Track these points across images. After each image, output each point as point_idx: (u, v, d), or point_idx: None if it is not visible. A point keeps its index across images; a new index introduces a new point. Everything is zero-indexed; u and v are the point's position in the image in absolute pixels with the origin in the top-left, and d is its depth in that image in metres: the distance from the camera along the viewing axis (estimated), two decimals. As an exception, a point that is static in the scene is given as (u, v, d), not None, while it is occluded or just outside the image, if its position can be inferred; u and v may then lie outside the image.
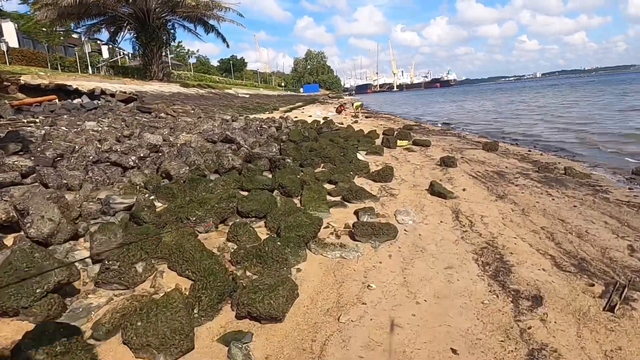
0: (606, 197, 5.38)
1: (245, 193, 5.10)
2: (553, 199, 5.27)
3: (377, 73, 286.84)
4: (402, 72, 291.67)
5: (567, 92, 48.66)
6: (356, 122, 18.19)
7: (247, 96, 33.18)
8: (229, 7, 26.72)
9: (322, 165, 6.84)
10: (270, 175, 5.78)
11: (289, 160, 6.05)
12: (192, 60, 62.01)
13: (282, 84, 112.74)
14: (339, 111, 24.96)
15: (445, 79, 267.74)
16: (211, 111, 17.33)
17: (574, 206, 4.96)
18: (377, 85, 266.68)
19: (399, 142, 10.12)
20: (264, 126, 11.14)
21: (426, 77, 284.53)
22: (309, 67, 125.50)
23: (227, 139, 7.97)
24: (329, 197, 5.02)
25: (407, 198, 5.20)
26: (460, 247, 3.66)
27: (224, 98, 26.99)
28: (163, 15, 26.01)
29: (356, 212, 4.39)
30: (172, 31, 27.64)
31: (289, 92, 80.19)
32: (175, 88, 23.44)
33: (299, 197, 4.86)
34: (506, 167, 7.42)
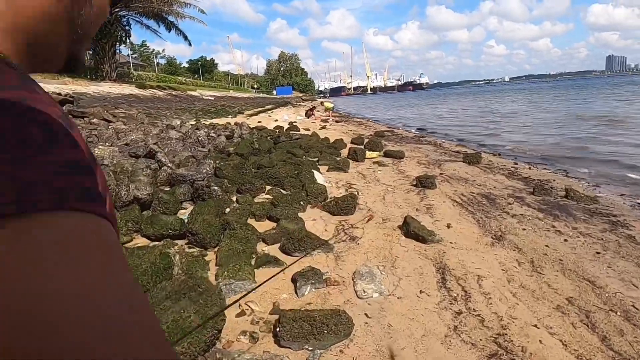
0: (631, 235, 4.12)
1: (145, 242, 3.55)
2: (566, 240, 3.96)
3: (351, 76, 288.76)
4: (376, 75, 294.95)
5: (540, 97, 49.38)
6: (325, 127, 16.79)
7: (212, 99, 31.27)
8: (188, 2, 24.79)
9: (267, 189, 5.32)
10: (188, 211, 4.23)
11: (216, 188, 4.49)
12: (161, 61, 59.07)
13: (255, 86, 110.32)
14: (308, 115, 23.50)
15: (418, 82, 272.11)
16: (162, 115, 15.51)
17: (597, 253, 3.65)
18: (351, 88, 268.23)
19: (368, 154, 8.73)
20: (212, 134, 9.51)
21: (399, 80, 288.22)
22: (282, 69, 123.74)
23: (152, 153, 6.34)
24: (261, 247, 3.51)
25: (374, 244, 3.75)
26: (454, 353, 2.22)
27: (185, 100, 25.05)
28: (116, 10, 23.80)
29: (295, 279, 2.90)
30: (127, 28, 25.40)
31: (261, 95, 78.27)
32: (128, 89, 21.35)
33: (217, 250, 3.33)
34: (495, 188, 6.13)
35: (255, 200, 4.83)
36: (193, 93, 31.93)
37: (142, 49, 53.25)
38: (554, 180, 6.79)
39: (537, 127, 16.76)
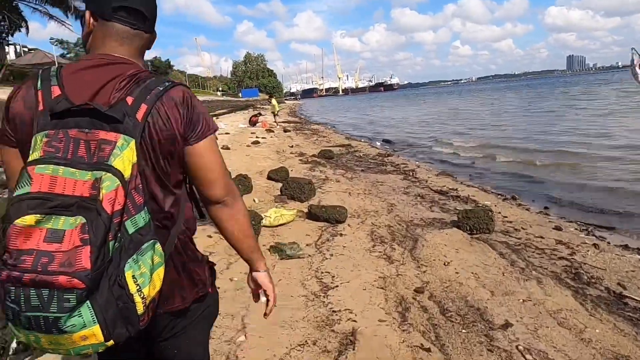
0: None
1: None
2: None
3: (322, 77, 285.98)
4: (347, 76, 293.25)
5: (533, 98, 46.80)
6: (257, 142, 12.37)
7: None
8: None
9: None
10: None
11: None
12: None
13: (220, 89, 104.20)
14: (252, 122, 19.05)
15: (389, 82, 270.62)
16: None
17: None
18: (322, 89, 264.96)
19: (274, 213, 4.41)
20: None
21: (370, 81, 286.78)
22: (248, 70, 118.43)
23: None
24: None
25: None
26: None
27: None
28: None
29: None
30: (18, 15, 20.02)
31: (225, 97, 72.68)
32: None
33: None
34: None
35: None
36: (123, 97, 26.72)
37: (77, 49, 46.87)
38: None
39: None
